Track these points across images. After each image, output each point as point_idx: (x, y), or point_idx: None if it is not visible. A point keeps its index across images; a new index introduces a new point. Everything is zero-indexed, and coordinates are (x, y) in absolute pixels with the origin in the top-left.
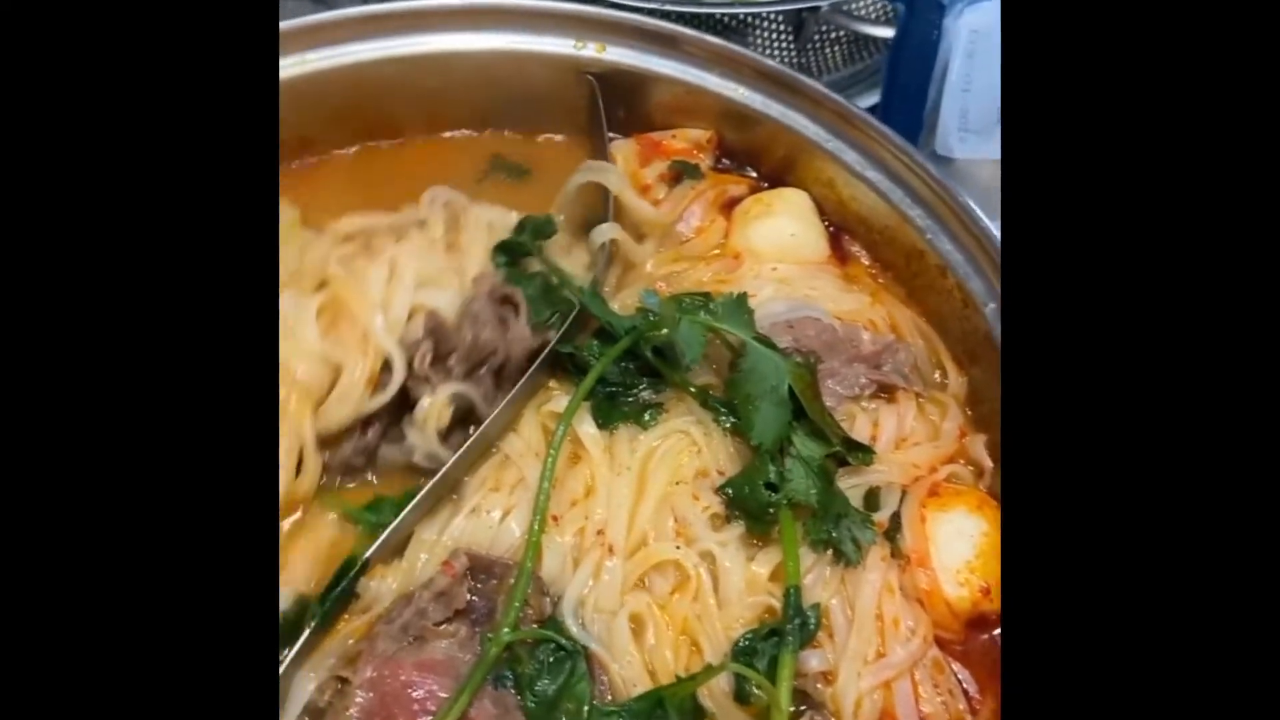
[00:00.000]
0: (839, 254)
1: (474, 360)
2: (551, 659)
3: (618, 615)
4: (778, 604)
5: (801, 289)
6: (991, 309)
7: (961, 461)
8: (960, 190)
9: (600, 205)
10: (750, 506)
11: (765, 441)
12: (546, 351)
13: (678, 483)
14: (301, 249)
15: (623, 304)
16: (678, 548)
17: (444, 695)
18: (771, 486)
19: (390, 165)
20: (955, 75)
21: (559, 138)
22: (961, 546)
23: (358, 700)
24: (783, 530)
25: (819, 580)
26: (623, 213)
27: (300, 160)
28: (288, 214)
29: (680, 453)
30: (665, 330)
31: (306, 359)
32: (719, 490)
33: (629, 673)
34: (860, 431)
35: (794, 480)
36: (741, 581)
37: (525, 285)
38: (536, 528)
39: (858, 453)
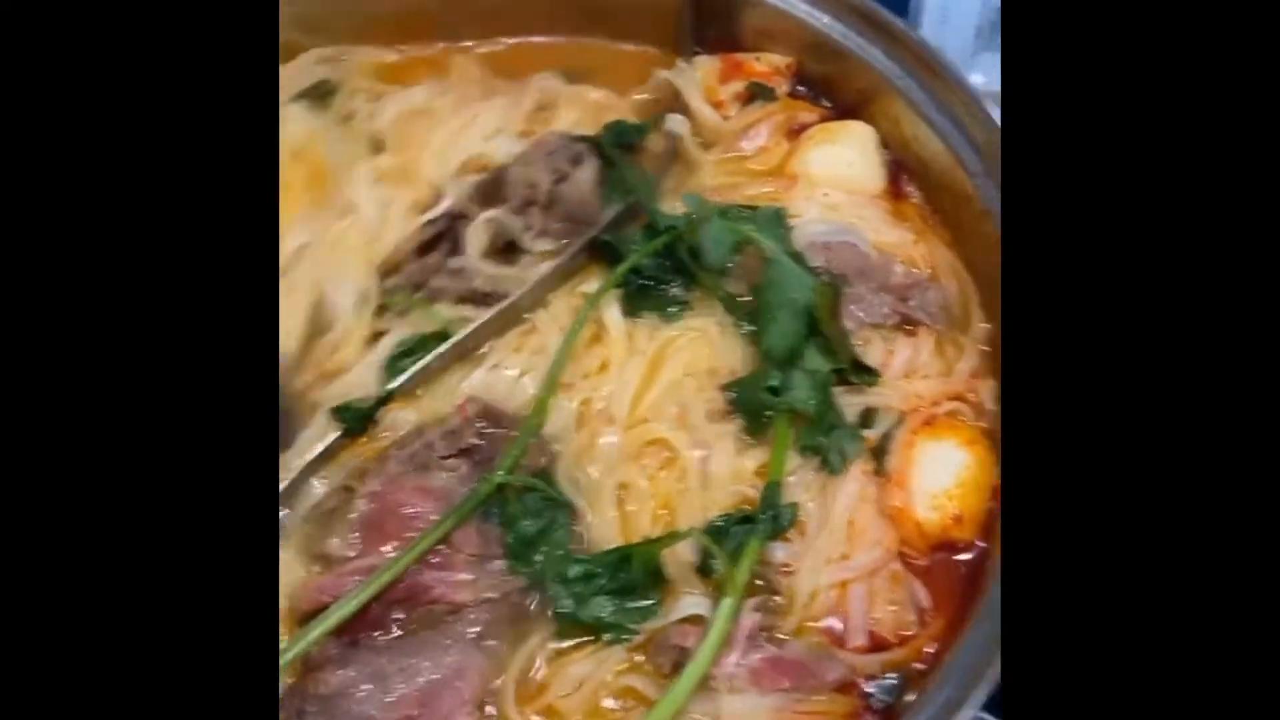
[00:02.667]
0: (894, 190)
1: (521, 198)
2: (537, 506)
3: (607, 479)
4: (757, 497)
5: (848, 216)
6: None
7: (968, 401)
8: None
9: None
10: (750, 407)
11: (775, 350)
12: (589, 237)
13: (688, 375)
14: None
15: (675, 207)
16: (674, 430)
17: (434, 518)
18: (773, 391)
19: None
20: (932, 8)
21: (632, 47)
22: (942, 474)
23: (359, 507)
24: (776, 432)
25: (801, 483)
26: (691, 119)
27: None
28: None
29: (696, 348)
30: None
31: (365, 202)
32: (724, 388)
33: (606, 532)
34: (873, 357)
35: (796, 389)
36: (727, 470)
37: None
38: (546, 389)
39: (864, 374)
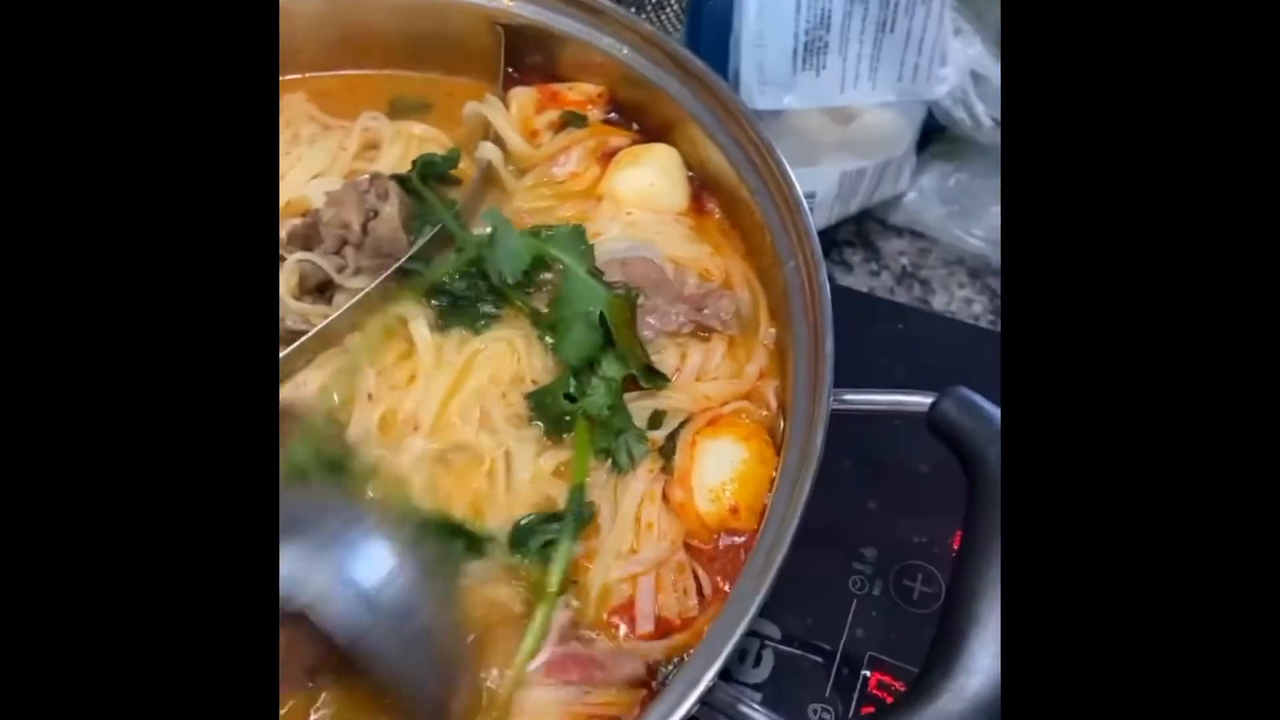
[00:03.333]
0: (697, 206)
1: (335, 238)
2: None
3: (410, 481)
4: (558, 497)
5: (648, 233)
6: (790, 267)
7: (753, 401)
8: (776, 150)
9: None
10: (551, 413)
11: (571, 359)
12: (397, 265)
13: (493, 383)
14: None
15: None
16: (477, 434)
17: None
18: (570, 398)
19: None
20: (748, 34)
21: (464, 80)
22: (720, 469)
23: None
24: (576, 435)
25: (596, 483)
26: (503, 148)
27: None
28: None
29: (502, 358)
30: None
31: None
32: (527, 396)
33: None
34: (666, 363)
35: (594, 396)
36: (528, 473)
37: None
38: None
39: (655, 379)
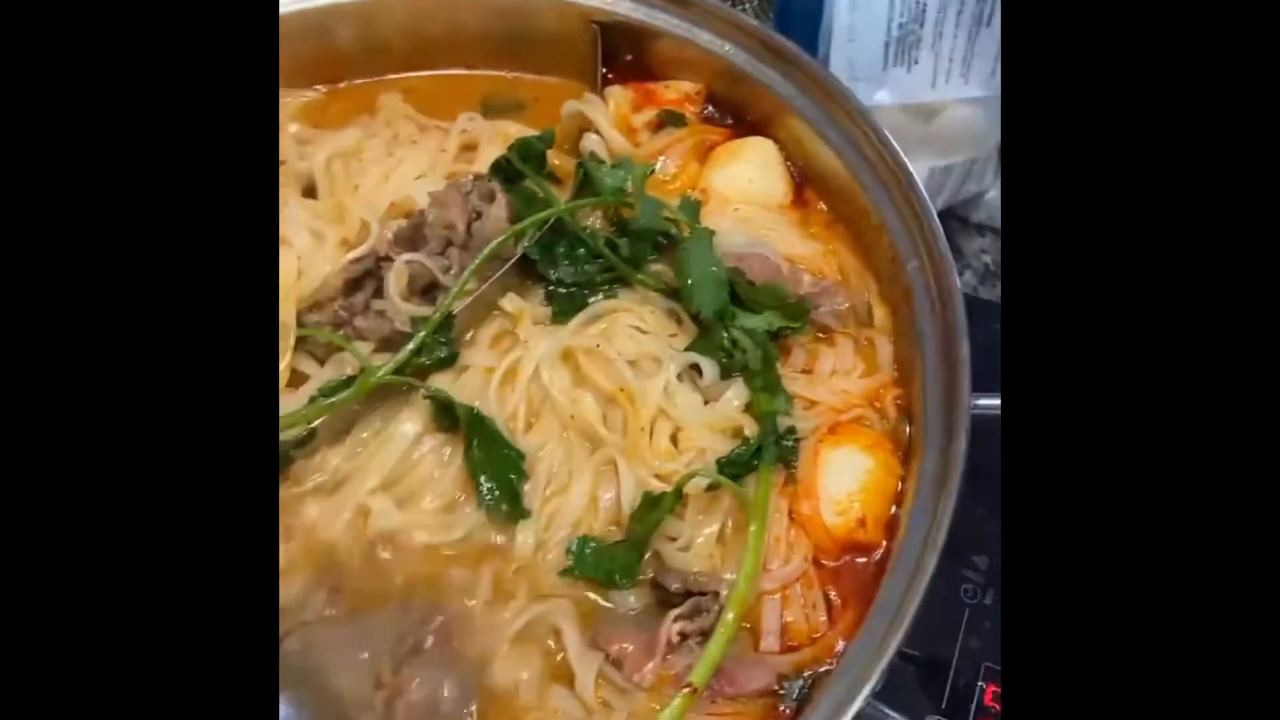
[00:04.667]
0: (800, 202)
1: (441, 239)
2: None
3: None
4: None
5: (761, 229)
6: (913, 267)
7: (874, 407)
8: (894, 144)
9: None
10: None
11: (708, 310)
12: (510, 262)
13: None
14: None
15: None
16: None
17: None
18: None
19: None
20: (840, 28)
21: (554, 79)
22: (846, 479)
23: None
24: (752, 376)
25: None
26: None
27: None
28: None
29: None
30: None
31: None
32: (688, 348)
33: None
34: (795, 364)
35: (747, 350)
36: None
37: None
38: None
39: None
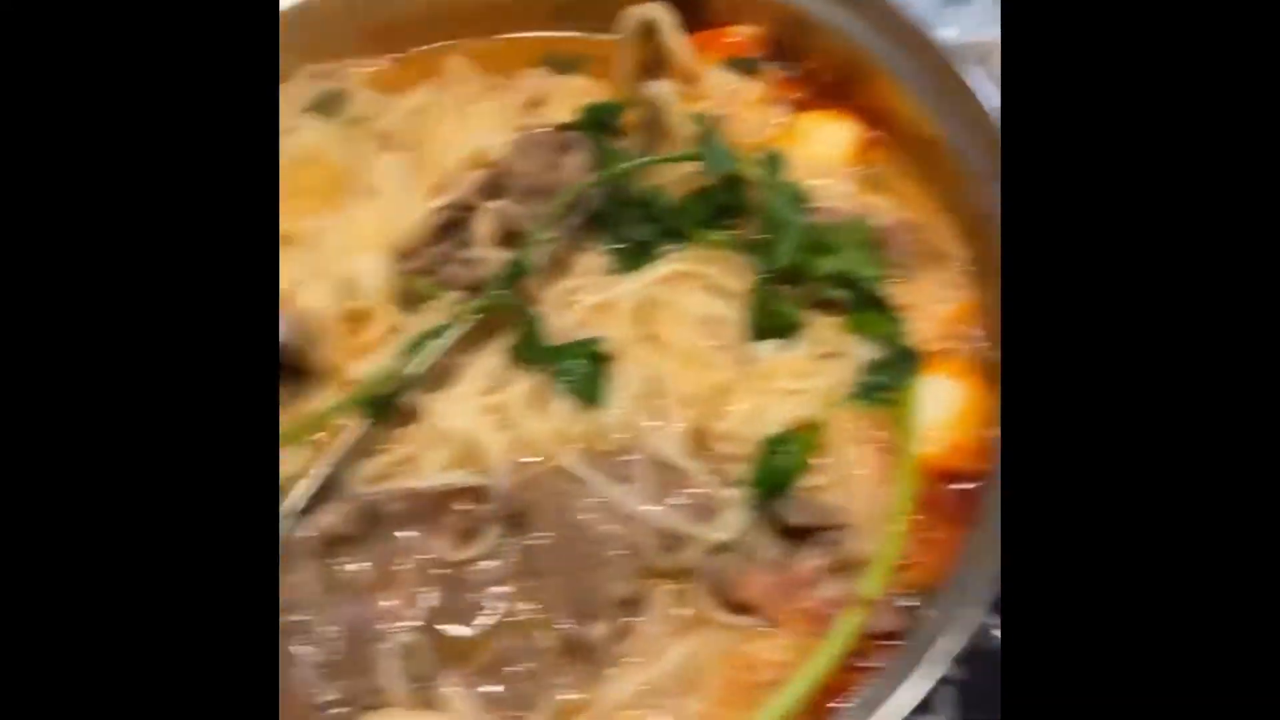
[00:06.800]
0: (871, 152)
1: (520, 188)
2: None
3: None
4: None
5: (829, 181)
6: (993, 188)
7: (958, 336)
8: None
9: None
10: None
11: (784, 257)
12: (587, 212)
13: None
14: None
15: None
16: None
17: None
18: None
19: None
20: None
21: (609, 37)
22: (939, 408)
23: None
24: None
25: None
26: (671, 60)
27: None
28: None
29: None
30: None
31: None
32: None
33: None
34: None
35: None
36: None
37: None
38: None
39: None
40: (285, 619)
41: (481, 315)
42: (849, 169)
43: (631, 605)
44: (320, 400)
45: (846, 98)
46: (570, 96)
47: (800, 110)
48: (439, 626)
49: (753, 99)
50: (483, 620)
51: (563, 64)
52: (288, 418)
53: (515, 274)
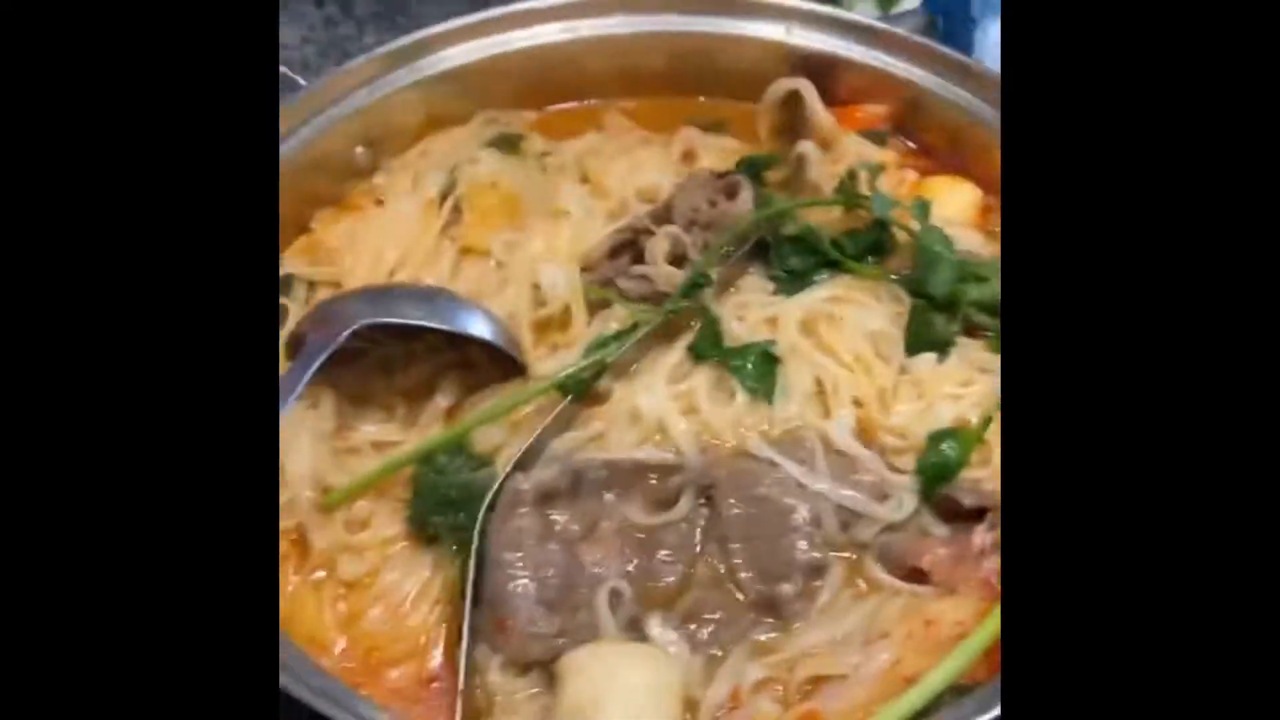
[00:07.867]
0: (990, 216)
1: (686, 218)
2: None
3: None
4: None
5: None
6: None
7: None
8: None
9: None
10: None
11: (939, 287)
12: (752, 241)
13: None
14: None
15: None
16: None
17: None
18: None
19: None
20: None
21: (747, 105)
22: None
23: None
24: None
25: None
26: (812, 125)
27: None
28: None
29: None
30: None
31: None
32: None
33: None
34: None
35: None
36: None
37: None
38: None
39: None
40: (505, 555)
41: (670, 315)
42: (974, 228)
43: (816, 572)
44: (517, 387)
45: (965, 168)
46: (719, 152)
47: (925, 176)
48: (640, 577)
49: (887, 163)
50: (677, 576)
51: (706, 125)
52: (491, 400)
53: (697, 284)
